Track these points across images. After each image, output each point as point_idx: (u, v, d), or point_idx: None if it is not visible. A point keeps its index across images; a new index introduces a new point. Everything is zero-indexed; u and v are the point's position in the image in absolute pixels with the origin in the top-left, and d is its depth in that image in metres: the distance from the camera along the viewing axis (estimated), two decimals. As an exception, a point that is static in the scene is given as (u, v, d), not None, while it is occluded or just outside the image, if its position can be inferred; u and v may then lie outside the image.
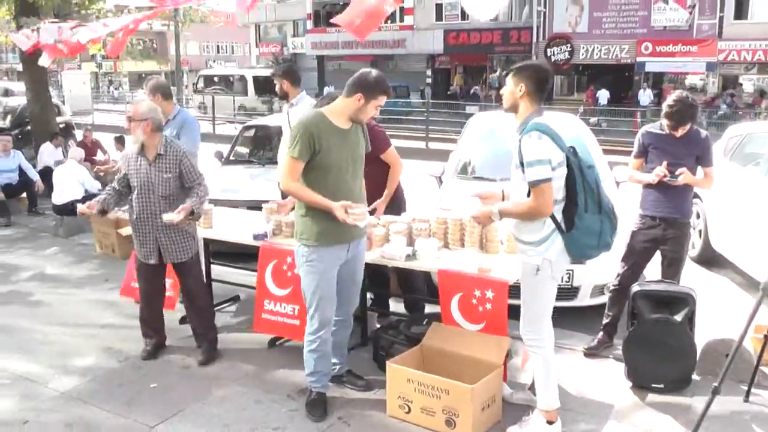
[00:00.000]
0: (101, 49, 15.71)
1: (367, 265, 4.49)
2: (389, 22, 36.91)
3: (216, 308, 5.81)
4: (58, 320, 5.94)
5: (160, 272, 5.01)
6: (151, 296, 5.09)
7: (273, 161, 7.92)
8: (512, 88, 3.66)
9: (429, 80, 36.86)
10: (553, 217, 3.59)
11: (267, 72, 38.98)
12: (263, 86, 30.97)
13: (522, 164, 3.55)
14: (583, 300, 5.72)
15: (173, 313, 5.52)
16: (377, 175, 5.05)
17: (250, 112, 28.54)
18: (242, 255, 6.15)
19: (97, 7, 13.04)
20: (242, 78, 32.97)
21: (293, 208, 5.27)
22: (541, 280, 3.69)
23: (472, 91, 34.23)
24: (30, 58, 11.57)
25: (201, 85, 34.22)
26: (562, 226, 3.60)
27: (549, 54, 30.17)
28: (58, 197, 9.03)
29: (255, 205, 6.14)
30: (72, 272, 7.38)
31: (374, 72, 3.99)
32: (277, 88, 6.02)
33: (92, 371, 4.94)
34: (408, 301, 5.68)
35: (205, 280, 5.23)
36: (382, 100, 3.96)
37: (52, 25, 8.97)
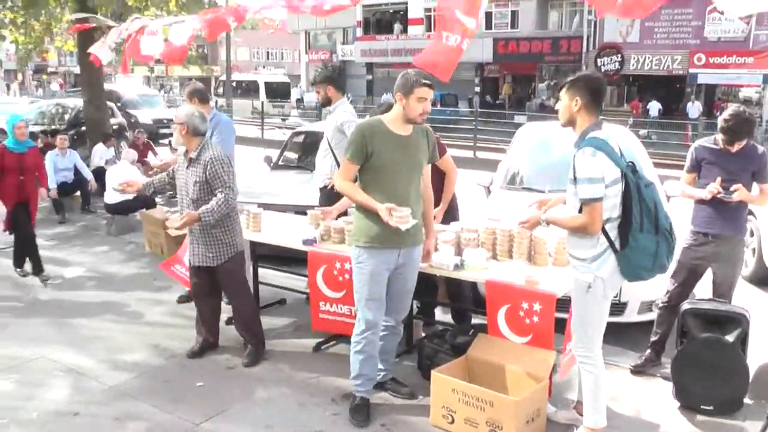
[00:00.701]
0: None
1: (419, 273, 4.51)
2: (439, 29, 36.96)
3: (261, 310, 5.91)
4: (107, 316, 6.09)
5: (203, 274, 5.09)
6: (197, 295, 5.22)
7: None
8: (567, 102, 3.63)
9: (477, 89, 36.75)
10: (606, 235, 3.54)
11: (277, 78, 39.90)
12: (274, 91, 35.50)
13: (575, 180, 3.53)
14: (631, 316, 5.63)
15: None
16: (433, 181, 5.11)
17: (263, 115, 30.34)
18: (287, 258, 6.25)
19: (151, 13, 13.34)
20: (254, 83, 36.22)
21: (340, 215, 5.37)
22: (593, 298, 3.65)
23: (540, 102, 33.66)
24: (86, 60, 11.93)
25: (220, 90, 36.72)
26: (616, 244, 3.54)
27: (599, 64, 29.79)
28: (110, 197, 9.25)
29: (302, 210, 6.20)
30: (121, 270, 7.55)
31: (408, 71, 4.07)
32: (319, 96, 6.04)
33: (139, 367, 5.05)
34: (455, 311, 5.66)
35: (246, 283, 5.26)
36: (420, 91, 3.97)
37: (115, 29, 9.22)
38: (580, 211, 3.54)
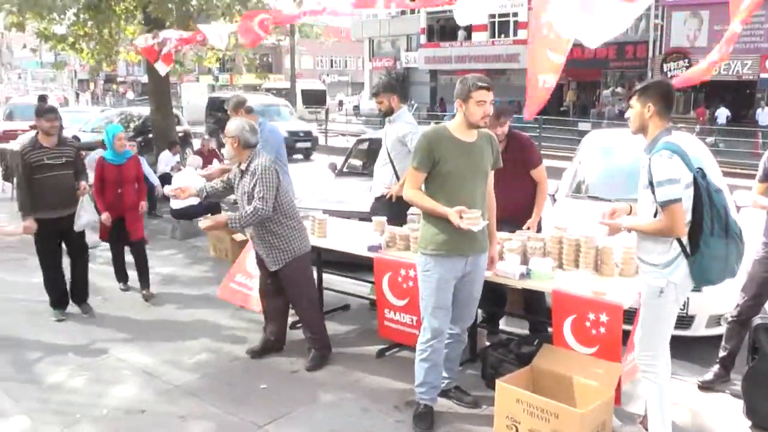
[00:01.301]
0: (218, 61, 16.41)
1: (486, 281, 4.51)
2: (503, 36, 36.77)
3: (326, 316, 6.01)
4: (172, 318, 6.28)
5: (269, 273, 5.20)
6: (263, 294, 5.37)
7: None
8: (640, 109, 3.62)
9: (541, 96, 36.34)
10: (679, 240, 3.51)
11: (313, 86, 42.04)
12: (310, 98, 39.03)
13: (651, 184, 3.49)
14: (698, 330, 5.50)
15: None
16: (528, 188, 5.29)
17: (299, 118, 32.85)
18: (351, 264, 6.31)
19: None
20: (292, 91, 38.69)
21: (397, 222, 5.42)
22: (664, 304, 3.60)
23: (619, 109, 33.04)
24: (154, 70, 12.34)
25: (267, 96, 39.00)
26: (687, 249, 3.51)
27: (665, 70, 29.06)
28: (176, 202, 9.49)
29: (367, 217, 6.28)
30: (187, 273, 7.75)
31: (466, 76, 4.10)
32: (381, 105, 6.06)
33: (204, 368, 5.19)
34: (533, 323, 5.58)
35: (308, 288, 5.29)
36: (478, 95, 3.98)
37: (174, 32, 9.55)
38: (655, 215, 3.52)
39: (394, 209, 6.09)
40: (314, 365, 5.14)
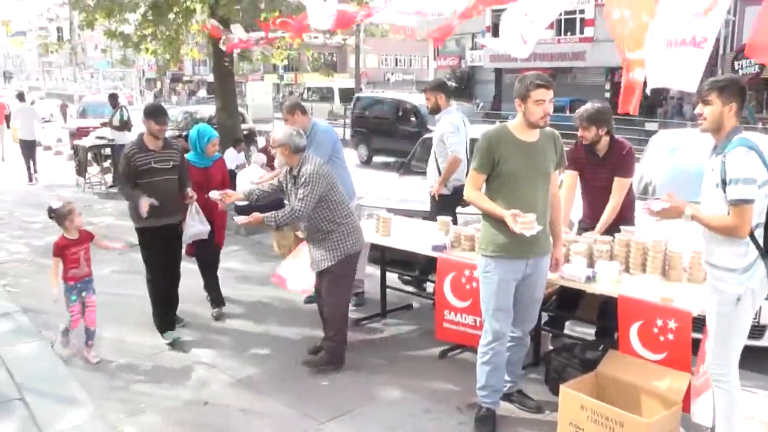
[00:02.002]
0: (284, 60, 16.66)
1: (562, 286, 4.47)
2: (569, 34, 36.20)
3: (388, 315, 6.15)
4: (235, 313, 6.41)
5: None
6: (317, 294, 5.36)
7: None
8: (720, 108, 3.49)
9: (607, 94, 35.61)
10: (756, 242, 3.42)
11: (350, 84, 42.54)
12: (346, 95, 38.70)
13: (724, 182, 3.39)
14: (772, 340, 5.31)
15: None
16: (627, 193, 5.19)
17: (336, 116, 34.01)
18: (410, 263, 6.34)
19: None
20: (331, 90, 41.09)
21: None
22: (740, 312, 3.50)
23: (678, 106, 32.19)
24: (220, 69, 12.66)
25: (305, 95, 41.46)
26: (764, 251, 3.42)
27: (736, 67, 27.95)
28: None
29: (431, 217, 6.32)
30: (251, 269, 7.89)
31: (525, 75, 4.07)
32: (428, 102, 6.40)
33: (266, 363, 5.29)
34: (599, 328, 5.50)
35: (341, 294, 5.16)
36: (537, 93, 3.94)
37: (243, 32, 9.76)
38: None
39: (437, 207, 6.33)
40: (311, 361, 5.16)
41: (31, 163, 15.62)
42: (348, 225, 5.06)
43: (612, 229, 5.03)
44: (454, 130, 6.27)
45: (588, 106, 5.18)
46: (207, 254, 6.44)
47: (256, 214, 5.21)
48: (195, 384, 4.95)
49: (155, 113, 5.59)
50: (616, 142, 5.24)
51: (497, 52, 38.42)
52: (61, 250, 5.18)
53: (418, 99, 18.44)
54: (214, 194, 5.41)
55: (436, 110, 6.41)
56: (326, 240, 5.02)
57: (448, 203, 6.46)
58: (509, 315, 4.19)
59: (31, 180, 15.33)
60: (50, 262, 5.25)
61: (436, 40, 6.12)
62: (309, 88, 42.48)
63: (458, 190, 6.45)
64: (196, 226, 5.86)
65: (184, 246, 6.00)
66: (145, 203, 5.39)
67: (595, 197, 5.27)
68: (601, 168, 5.17)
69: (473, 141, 7.05)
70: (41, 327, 5.96)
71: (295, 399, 4.66)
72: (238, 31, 9.54)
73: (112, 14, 12.48)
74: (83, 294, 5.29)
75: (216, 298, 6.47)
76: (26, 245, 9.19)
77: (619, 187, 5.13)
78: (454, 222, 5.78)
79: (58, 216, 5.18)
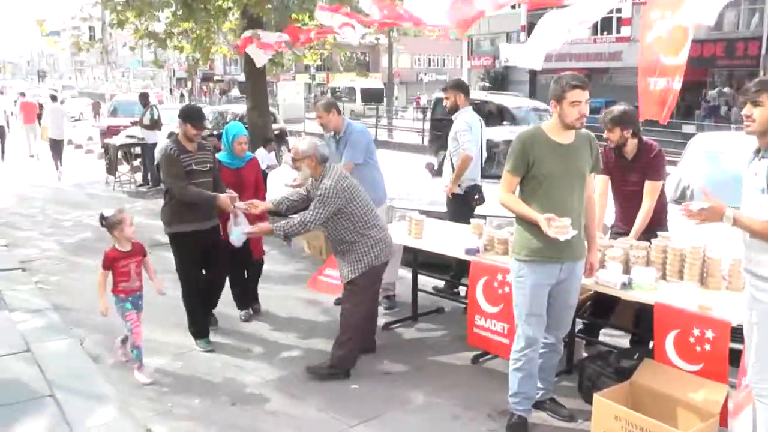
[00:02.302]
0: (316, 60, 16.77)
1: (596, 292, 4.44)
2: (605, 33, 35.89)
3: (419, 318, 6.19)
4: (265, 313, 6.45)
5: None
6: None
7: (483, 174, 8.02)
8: None
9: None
10: None
11: (372, 84, 45.54)
12: (370, 96, 42.24)
13: None
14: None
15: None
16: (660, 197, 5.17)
17: (358, 116, 35.47)
18: (447, 267, 6.33)
19: (315, 23, 14.01)
20: (353, 90, 43.58)
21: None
22: None
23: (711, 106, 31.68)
24: (251, 68, 12.75)
25: (328, 94, 41.79)
26: None
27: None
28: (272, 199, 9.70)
29: (447, 216, 6.35)
30: (282, 269, 7.93)
31: (561, 75, 4.06)
32: (446, 101, 6.62)
33: (295, 365, 5.32)
34: (634, 336, 5.46)
35: (366, 305, 5.16)
36: (573, 95, 3.92)
37: (272, 34, 9.84)
38: None
39: (451, 206, 6.60)
40: (313, 368, 5.12)
41: (58, 161, 16.25)
42: (372, 236, 5.03)
43: (647, 234, 4.99)
44: (466, 128, 6.44)
45: (612, 108, 5.16)
46: (253, 268, 6.37)
47: (262, 225, 5.24)
48: (224, 385, 5.00)
49: (192, 116, 5.46)
50: (644, 144, 5.21)
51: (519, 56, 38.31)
52: (110, 262, 4.95)
53: (507, 99, 18.16)
54: (240, 205, 5.37)
55: (454, 109, 6.61)
56: (350, 252, 5.02)
57: (461, 202, 6.60)
58: (542, 321, 4.18)
59: (59, 177, 15.85)
60: (81, 260, 5.33)
61: (459, 26, 6.17)
62: (331, 89, 44.39)
63: (471, 190, 6.52)
64: (240, 228, 5.48)
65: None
66: (226, 198, 5.36)
67: (626, 201, 5.25)
68: (631, 171, 5.14)
69: (488, 142, 7.18)
70: (71, 324, 6.09)
71: (324, 402, 4.69)
72: (267, 37, 9.63)
73: (143, 14, 12.67)
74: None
75: (245, 301, 6.38)
76: (57, 243, 9.39)
77: (650, 190, 5.09)
78: (466, 223, 5.87)
79: (108, 224, 4.97)
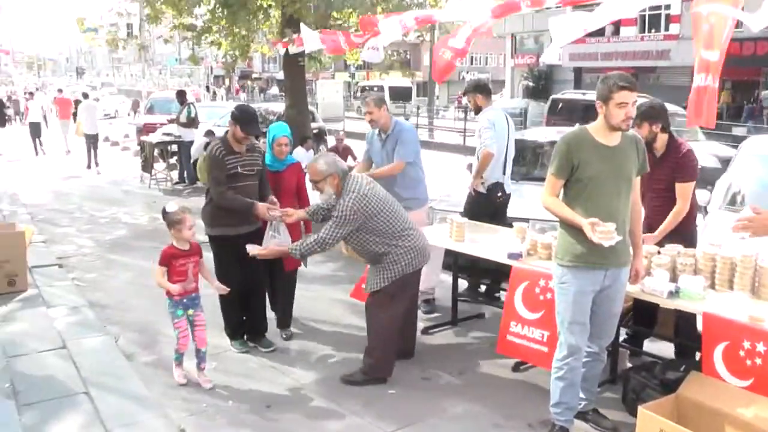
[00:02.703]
0: (357, 59, 16.83)
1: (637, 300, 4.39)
2: (653, 31, 35.33)
3: (459, 323, 6.20)
4: (302, 315, 6.47)
5: None
6: None
7: (527, 177, 8.00)
8: None
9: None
10: None
11: (400, 83, 47.18)
12: (397, 94, 43.62)
13: None
14: None
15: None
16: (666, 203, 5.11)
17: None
18: (487, 271, 6.31)
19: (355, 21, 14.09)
20: (381, 88, 44.02)
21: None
22: None
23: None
24: (290, 67, 12.89)
25: (358, 94, 45.13)
26: None
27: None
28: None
29: (507, 222, 6.29)
30: (319, 270, 7.95)
31: (608, 75, 4.02)
32: (470, 103, 6.84)
33: (331, 368, 5.36)
34: (680, 347, 5.37)
35: (393, 313, 5.09)
36: (620, 96, 3.88)
37: (314, 33, 9.93)
38: None
39: (470, 204, 6.70)
40: (348, 378, 5.11)
41: (93, 154, 17.25)
42: (402, 246, 4.99)
43: (673, 235, 4.98)
44: (489, 125, 6.51)
45: (641, 102, 5.10)
46: (285, 279, 6.08)
47: (273, 247, 5.16)
48: (259, 386, 5.04)
49: (243, 119, 5.34)
50: (675, 141, 5.18)
51: (577, 50, 37.98)
52: (168, 259, 4.89)
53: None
54: (274, 214, 5.33)
55: (478, 110, 6.76)
56: (382, 261, 5.02)
57: (483, 202, 6.65)
58: (585, 329, 4.15)
59: (89, 167, 17.04)
60: (116, 257, 5.40)
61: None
62: (361, 87, 46.34)
63: (494, 188, 6.63)
64: (278, 238, 5.41)
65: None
66: (263, 208, 5.29)
67: (653, 198, 5.21)
68: (659, 168, 5.08)
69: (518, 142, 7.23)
70: (106, 322, 6.21)
71: (360, 406, 4.71)
72: (309, 38, 9.74)
73: (178, 8, 12.87)
74: (190, 311, 5.02)
75: (287, 321, 6.16)
76: (93, 240, 9.60)
77: (681, 193, 5.07)
78: (484, 221, 6.03)
79: (168, 221, 4.93)
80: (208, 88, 55.71)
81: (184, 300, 4.98)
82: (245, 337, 5.77)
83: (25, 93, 38.36)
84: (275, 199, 5.51)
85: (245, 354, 5.60)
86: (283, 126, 6.05)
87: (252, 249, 5.08)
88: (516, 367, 5.32)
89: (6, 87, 59.55)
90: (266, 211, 5.31)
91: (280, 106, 16.31)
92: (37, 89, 46.46)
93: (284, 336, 6.00)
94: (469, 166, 9.46)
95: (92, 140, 17.27)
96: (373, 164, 6.56)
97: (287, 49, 10.86)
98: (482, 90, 6.81)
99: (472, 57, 66.19)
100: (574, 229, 4.00)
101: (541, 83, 41.97)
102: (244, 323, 5.79)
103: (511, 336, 5.13)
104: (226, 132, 5.50)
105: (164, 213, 4.98)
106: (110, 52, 76.91)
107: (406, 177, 6.28)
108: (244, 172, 5.41)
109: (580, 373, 4.24)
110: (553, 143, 5.78)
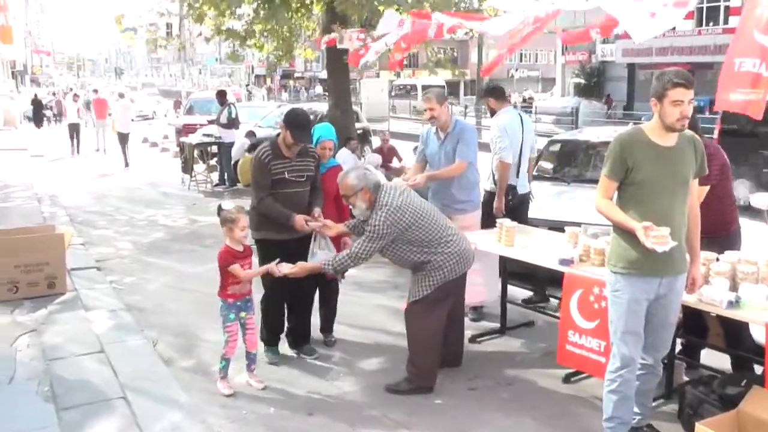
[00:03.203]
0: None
1: (684, 307, 4.32)
2: (711, 24, 34.64)
3: (508, 332, 6.17)
4: (346, 320, 6.46)
5: None
6: None
7: (579, 179, 7.93)
8: None
9: (754, 93, 33.81)
10: None
11: (433, 81, 45.90)
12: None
13: None
14: None
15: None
16: (712, 201, 4.92)
17: (419, 112, 35.76)
18: (538, 277, 6.27)
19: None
20: (414, 87, 45.01)
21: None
22: None
23: None
24: (334, 65, 12.96)
25: (392, 93, 45.92)
26: None
27: None
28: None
29: (557, 226, 6.23)
30: (363, 275, 7.92)
31: (664, 71, 3.94)
32: (487, 108, 7.13)
33: (375, 376, 5.37)
34: (736, 358, 5.26)
35: (430, 324, 5.06)
36: (675, 93, 3.80)
37: (352, 33, 9.98)
38: None
39: (485, 205, 6.73)
40: (393, 388, 5.09)
41: (126, 152, 18.53)
42: (443, 253, 4.98)
43: (710, 238, 4.77)
44: (501, 134, 6.64)
45: None
46: (327, 287, 5.99)
47: (303, 264, 5.09)
48: (300, 394, 5.07)
49: (294, 124, 5.28)
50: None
51: (631, 45, 37.41)
52: (230, 258, 4.90)
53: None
54: (312, 225, 5.32)
55: (493, 113, 7.03)
56: (423, 269, 5.01)
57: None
58: (639, 339, 4.08)
59: (127, 165, 18.15)
60: (154, 260, 5.46)
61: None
62: (396, 86, 47.31)
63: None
64: (321, 254, 5.38)
65: None
66: (301, 220, 5.25)
67: None
68: None
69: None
70: (144, 326, 6.31)
71: (404, 416, 4.71)
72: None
73: (220, 8, 13.04)
74: (242, 314, 5.06)
75: (325, 325, 6.13)
76: (131, 242, 9.79)
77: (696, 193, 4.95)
78: (491, 225, 6.07)
79: (222, 219, 4.95)
80: (248, 85, 56.40)
81: (238, 303, 5.03)
82: (278, 344, 5.73)
83: (67, 93, 39.26)
84: (319, 211, 5.43)
85: (288, 362, 5.61)
86: (330, 129, 6.01)
87: (284, 268, 5.08)
88: (567, 379, 5.26)
89: (47, 88, 61.15)
90: (304, 223, 5.29)
91: (323, 106, 16.41)
92: (76, 90, 47.63)
93: (327, 342, 6.01)
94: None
95: (124, 139, 18.44)
96: (427, 165, 6.51)
97: (334, 46, 10.84)
98: (495, 93, 7.10)
99: (521, 54, 65.77)
100: (627, 234, 3.93)
101: (593, 80, 41.47)
102: (282, 329, 5.78)
103: (570, 346, 5.08)
104: (278, 135, 5.47)
105: (219, 210, 5.03)
106: (149, 52, 78.23)
107: (464, 179, 6.24)
108: (291, 179, 5.37)
109: (633, 386, 4.17)
110: (607, 143, 5.71)
